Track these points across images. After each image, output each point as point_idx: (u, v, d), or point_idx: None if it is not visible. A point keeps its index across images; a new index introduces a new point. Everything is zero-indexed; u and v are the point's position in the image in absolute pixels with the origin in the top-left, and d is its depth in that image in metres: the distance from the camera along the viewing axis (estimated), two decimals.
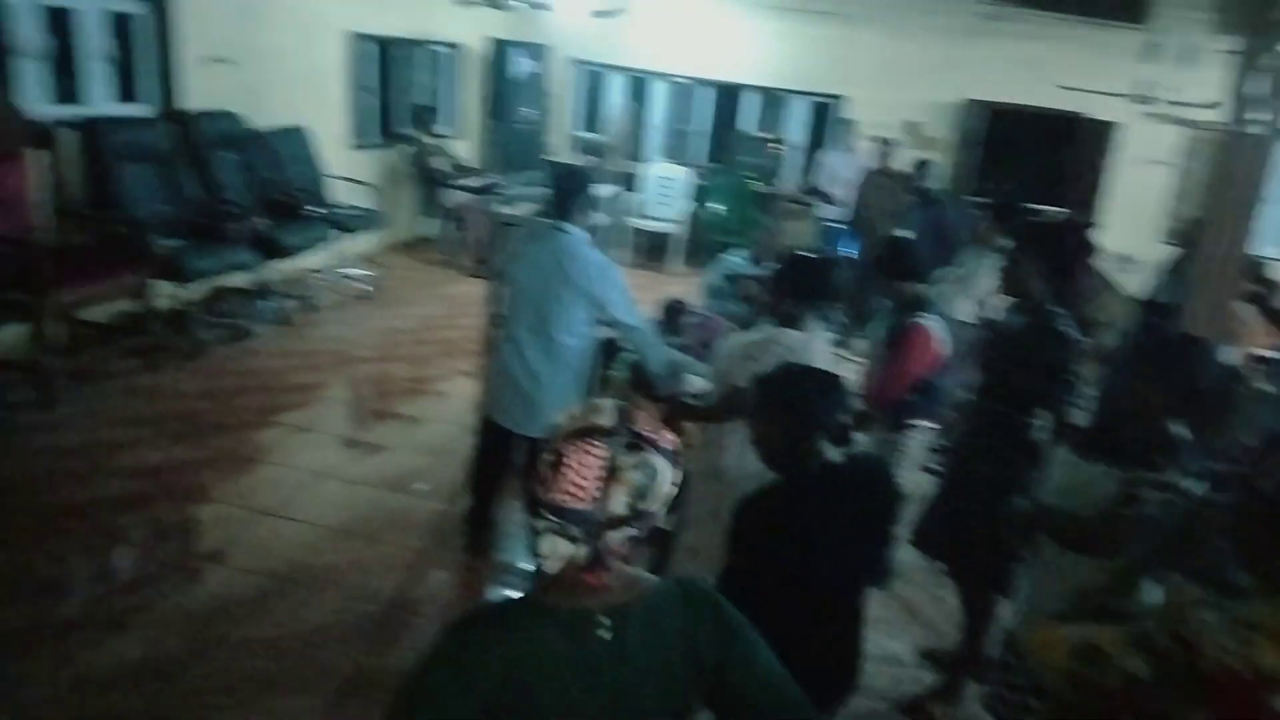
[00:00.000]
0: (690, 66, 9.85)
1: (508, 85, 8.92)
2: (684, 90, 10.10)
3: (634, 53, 9.84)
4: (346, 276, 6.98)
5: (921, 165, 6.29)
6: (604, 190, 4.99)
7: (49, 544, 3.38)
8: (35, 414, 4.28)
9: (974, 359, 3.24)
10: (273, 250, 5.80)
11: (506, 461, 3.47)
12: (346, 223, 6.73)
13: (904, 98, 9.19)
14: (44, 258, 4.14)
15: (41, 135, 4.67)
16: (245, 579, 3.33)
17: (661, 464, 1.37)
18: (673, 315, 6.00)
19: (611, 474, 1.33)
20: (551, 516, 1.33)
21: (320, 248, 6.53)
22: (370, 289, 6.99)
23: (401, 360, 5.77)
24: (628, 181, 9.33)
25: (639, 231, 9.42)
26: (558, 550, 1.34)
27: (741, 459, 2.98)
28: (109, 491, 3.76)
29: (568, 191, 3.21)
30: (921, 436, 3.98)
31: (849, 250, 7.49)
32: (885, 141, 7.54)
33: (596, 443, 1.34)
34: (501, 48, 8.92)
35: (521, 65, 8.96)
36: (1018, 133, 9.17)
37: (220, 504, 3.84)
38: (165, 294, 5.36)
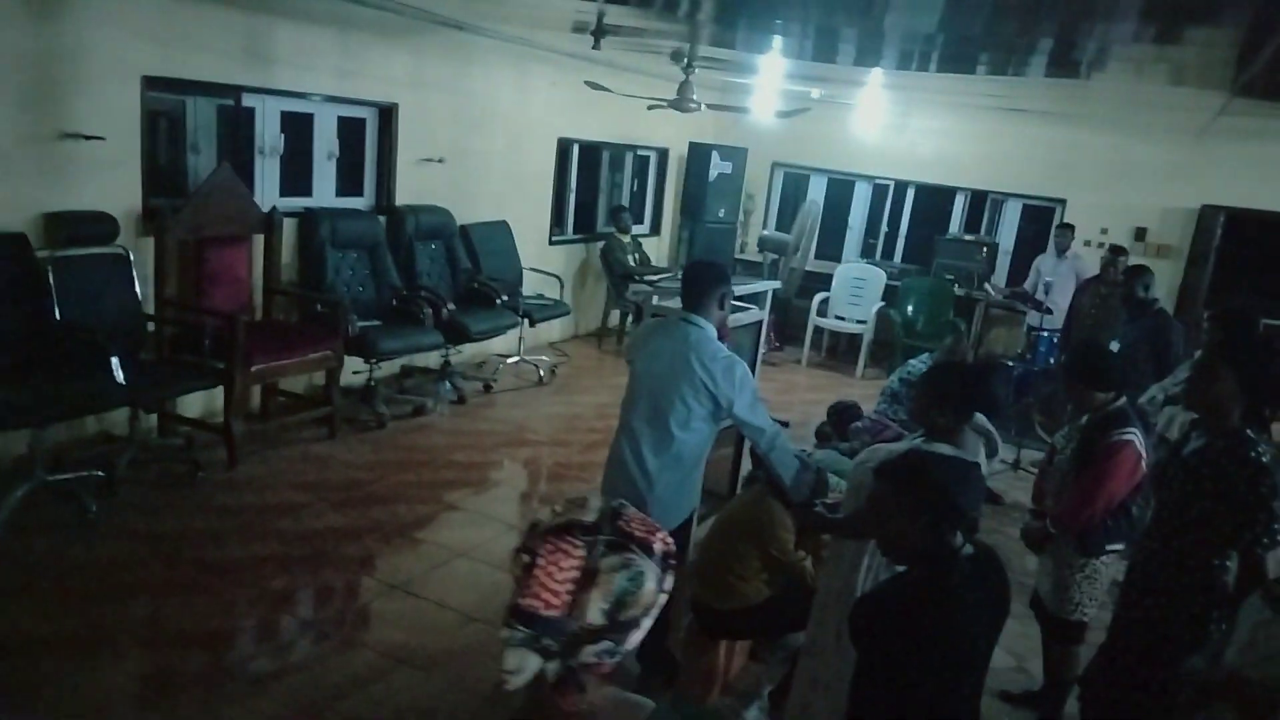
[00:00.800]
0: (894, 168, 9.64)
1: (703, 186, 9.10)
2: (884, 191, 9.88)
3: (838, 155, 9.79)
4: (529, 362, 7.24)
5: (1137, 271, 5.68)
6: (760, 286, 4.83)
7: (198, 598, 3.61)
8: (220, 472, 4.67)
9: (1153, 483, 2.77)
10: (460, 335, 6.12)
11: None
12: (535, 312, 7.02)
13: (1131, 201, 8.46)
14: (243, 332, 4.56)
15: (268, 223, 5.23)
16: (362, 654, 3.38)
17: (649, 568, 1.20)
18: (841, 418, 5.68)
19: (589, 577, 1.18)
20: (519, 625, 1.19)
21: (508, 334, 6.84)
22: (547, 375, 7.20)
23: (569, 445, 5.85)
24: (818, 281, 9.18)
25: (825, 331, 9.18)
26: (525, 665, 1.19)
27: (877, 577, 2.70)
28: (264, 551, 3.99)
29: (699, 283, 3.12)
30: (1115, 564, 3.46)
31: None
32: (1113, 249, 6.91)
33: (575, 540, 1.19)
34: (700, 150, 9.15)
35: (718, 168, 9.13)
36: (1258, 240, 8.15)
37: (363, 574, 3.97)
38: (355, 370, 5.79)
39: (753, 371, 6.61)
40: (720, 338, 3.14)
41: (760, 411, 3.06)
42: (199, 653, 3.28)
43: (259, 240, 5.27)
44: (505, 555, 4.21)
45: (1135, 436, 3.22)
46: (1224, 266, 8.30)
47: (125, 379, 4.10)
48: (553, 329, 8.12)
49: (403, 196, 6.40)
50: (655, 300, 4.34)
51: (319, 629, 3.57)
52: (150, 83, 4.72)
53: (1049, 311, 7.54)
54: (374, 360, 5.61)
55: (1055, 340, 7.41)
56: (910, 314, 8.83)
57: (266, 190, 5.62)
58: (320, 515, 4.41)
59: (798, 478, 3.08)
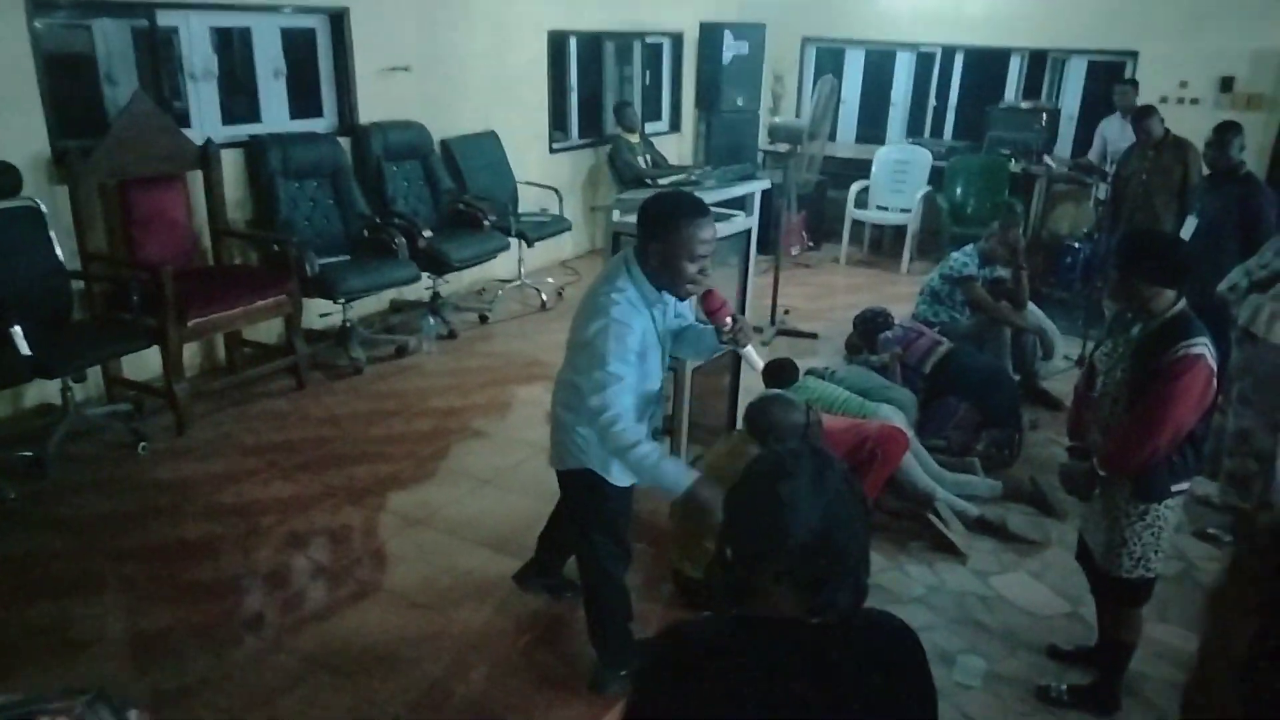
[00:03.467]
0: (940, 32, 8.52)
1: (717, 71, 8.18)
2: (930, 60, 8.78)
3: (874, 22, 8.71)
4: (531, 286, 6.64)
5: (1225, 130, 4.69)
6: (746, 188, 4.08)
7: (108, 596, 3.20)
8: (167, 440, 4.25)
9: None
10: (439, 264, 5.54)
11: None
12: (531, 231, 6.38)
13: (1215, 46, 7.26)
14: (171, 283, 4.06)
15: (203, 157, 4.68)
16: (284, 661, 2.93)
17: None
18: (868, 328, 4.97)
19: None
20: None
21: (506, 257, 6.24)
22: (552, 298, 6.60)
23: None
24: (857, 168, 8.27)
25: (866, 225, 8.31)
26: None
27: None
28: (193, 534, 3.56)
29: (638, 221, 2.42)
30: (1181, 508, 2.78)
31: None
32: (1142, 111, 5.73)
33: None
34: (710, 31, 8.19)
35: (732, 49, 8.18)
36: None
37: (299, 556, 3.51)
38: (322, 313, 5.28)
39: (775, 283, 5.99)
40: (710, 313, 2.44)
41: (600, 384, 2.29)
42: (104, 663, 2.88)
43: (198, 178, 4.73)
44: (476, 522, 3.71)
45: (1206, 348, 2.49)
46: None
47: (33, 349, 3.66)
48: (563, 246, 7.47)
49: (368, 113, 5.76)
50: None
51: (240, 627, 3.13)
52: (37, 6, 4.13)
53: None
54: (342, 301, 5.08)
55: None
56: (960, 197, 7.90)
57: (205, 119, 5.04)
58: (268, 484, 3.96)
59: (652, 475, 2.32)
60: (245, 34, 5.26)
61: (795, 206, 7.64)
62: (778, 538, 1.20)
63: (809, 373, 4.52)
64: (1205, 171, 4.94)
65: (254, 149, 5.08)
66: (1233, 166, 4.67)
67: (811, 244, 8.38)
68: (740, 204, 3.94)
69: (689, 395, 3.40)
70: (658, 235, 2.31)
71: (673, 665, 1.26)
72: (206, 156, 4.69)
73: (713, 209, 2.49)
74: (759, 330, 5.55)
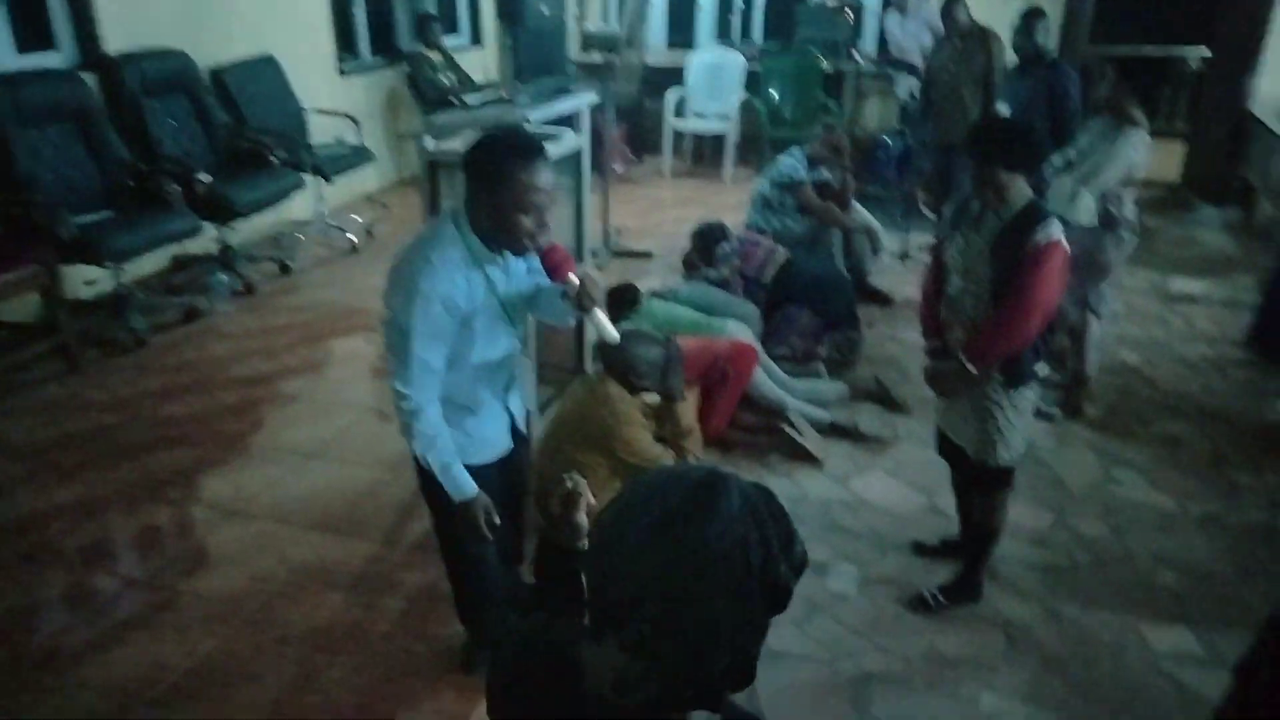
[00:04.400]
0: None
1: None
2: None
3: None
4: (336, 227, 6.04)
5: (1034, 15, 4.75)
6: (570, 104, 3.74)
7: None
8: None
9: None
10: (223, 211, 4.88)
11: None
12: (328, 165, 5.76)
13: None
14: None
15: None
16: (82, 697, 2.48)
17: None
18: (704, 243, 4.79)
19: None
20: None
21: (299, 197, 5.60)
22: (362, 238, 6.03)
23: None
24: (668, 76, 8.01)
25: (684, 135, 8.13)
26: None
27: None
28: None
29: (466, 171, 2.05)
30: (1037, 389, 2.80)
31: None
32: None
33: None
34: None
35: None
36: None
37: (89, 575, 3.00)
38: (87, 280, 4.56)
39: (605, 204, 5.68)
40: (550, 270, 2.08)
41: (402, 367, 2.00)
42: None
43: None
44: (305, 505, 3.28)
45: (1060, 231, 2.49)
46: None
47: None
48: (367, 179, 6.84)
49: (115, 42, 4.91)
50: (465, 134, 3.18)
51: (29, 669, 2.63)
52: None
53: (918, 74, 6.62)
54: (110, 264, 4.38)
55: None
56: (776, 101, 7.82)
57: None
58: (45, 490, 3.36)
59: (441, 477, 2.09)
60: None
61: (615, 120, 7.32)
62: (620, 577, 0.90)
63: (651, 295, 4.31)
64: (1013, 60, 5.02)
65: None
66: (1039, 53, 4.75)
67: (635, 157, 8.12)
68: (568, 122, 3.59)
69: (533, 335, 3.10)
70: (485, 186, 1.95)
71: (510, 675, 1.10)
72: None
73: (540, 129, 2.15)
74: (594, 255, 5.28)
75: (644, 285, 4.40)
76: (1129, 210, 3.83)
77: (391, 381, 2.01)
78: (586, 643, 0.97)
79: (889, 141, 7.19)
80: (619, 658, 0.91)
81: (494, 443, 2.26)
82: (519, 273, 2.14)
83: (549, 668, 1.03)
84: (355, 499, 3.26)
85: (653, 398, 2.93)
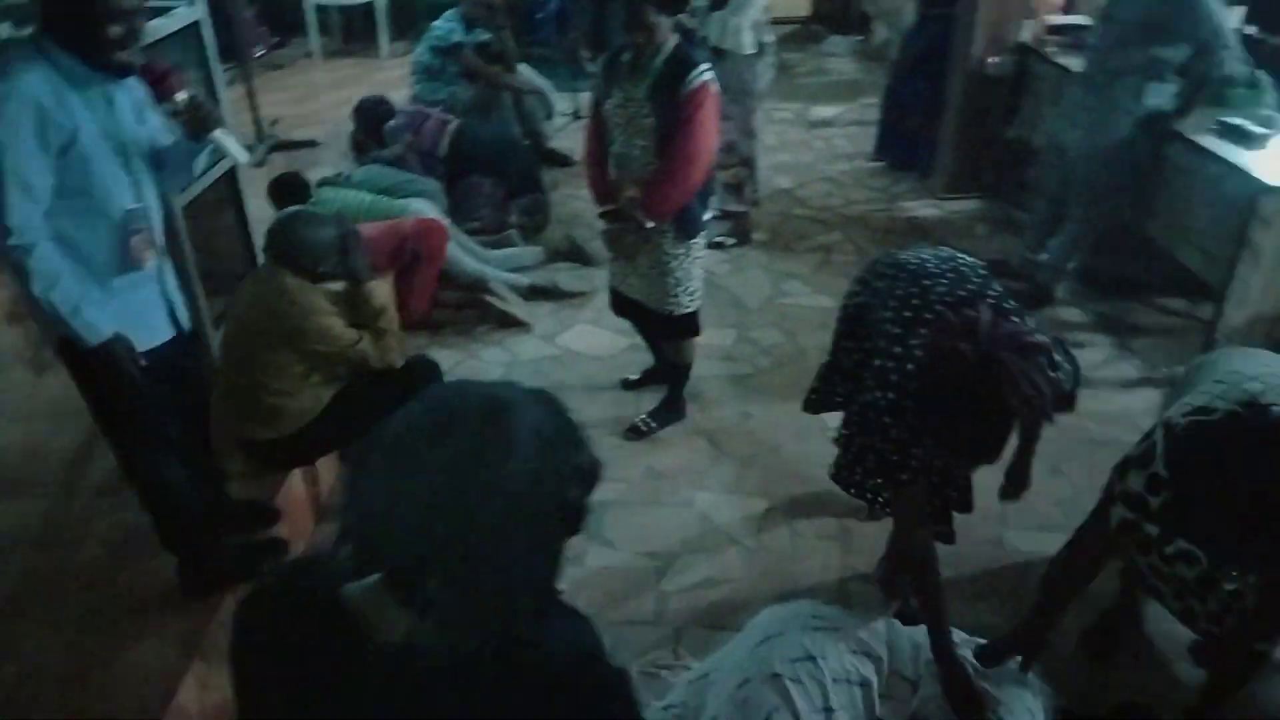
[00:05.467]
0: None
1: None
2: None
3: None
4: None
5: None
6: None
7: None
8: None
9: None
10: None
11: None
12: None
13: None
14: None
15: None
16: None
17: None
18: (371, 121, 4.56)
19: None
20: None
21: None
22: None
23: None
24: None
25: (329, 9, 7.52)
26: None
27: None
28: None
29: None
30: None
31: None
32: None
33: None
34: None
35: None
36: None
37: None
38: None
39: (251, 93, 5.09)
40: (153, 85, 1.85)
41: None
42: None
43: None
44: None
45: (710, 72, 2.63)
46: None
47: None
48: None
49: None
50: None
51: None
52: None
53: None
54: None
55: None
56: None
57: None
58: None
59: (68, 324, 1.84)
60: None
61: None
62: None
63: (321, 184, 4.07)
64: None
65: None
66: None
67: (277, 39, 7.40)
68: None
69: (188, 242, 2.81)
70: None
71: (266, 632, 0.94)
72: None
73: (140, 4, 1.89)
74: (249, 150, 4.83)
75: (314, 176, 4.15)
76: (769, 36, 4.13)
77: None
78: (357, 588, 0.84)
79: None
80: (404, 617, 0.81)
81: (150, 321, 2.06)
82: (125, 108, 1.90)
83: (318, 621, 0.87)
84: (18, 459, 2.88)
85: (338, 285, 2.81)
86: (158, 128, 2.02)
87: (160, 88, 1.85)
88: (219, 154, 2.16)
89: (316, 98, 6.47)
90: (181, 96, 1.86)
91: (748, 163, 4.35)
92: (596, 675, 0.92)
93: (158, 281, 2.07)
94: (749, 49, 4.01)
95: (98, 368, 1.91)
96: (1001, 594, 2.50)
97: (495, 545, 0.79)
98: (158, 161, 2.02)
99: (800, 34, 7.80)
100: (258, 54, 6.94)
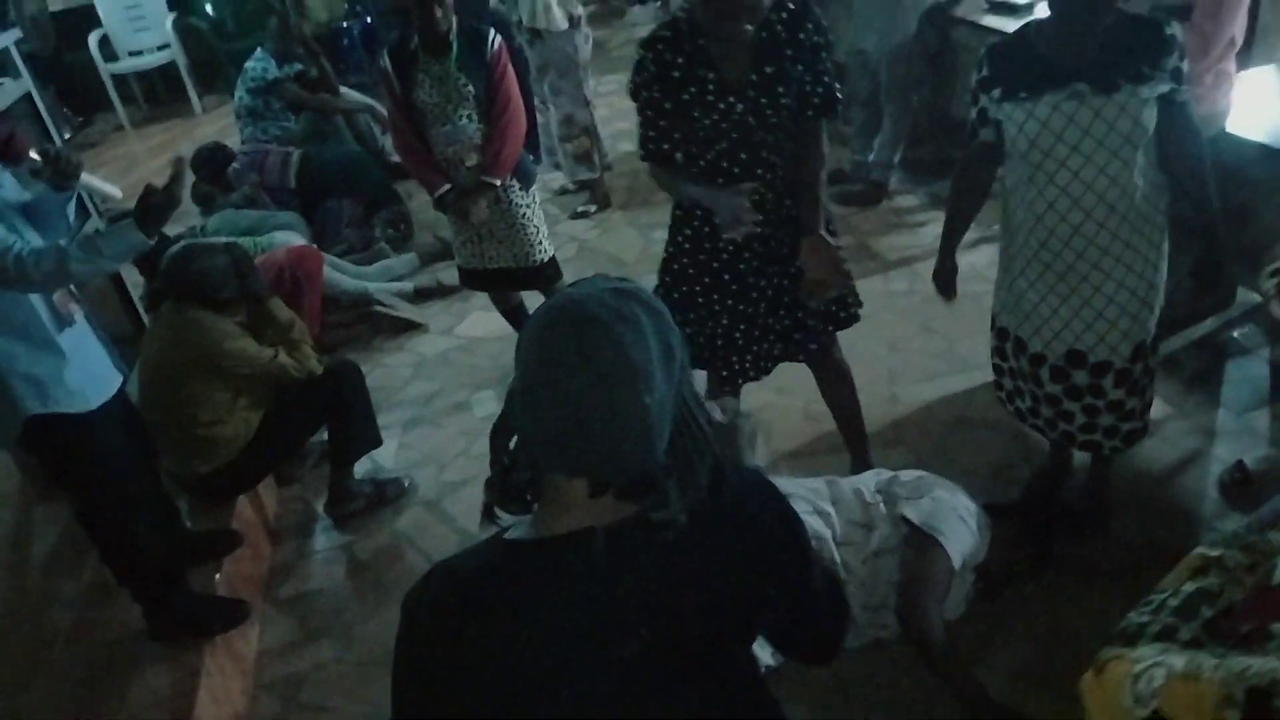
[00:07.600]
0: None
1: None
2: None
3: None
4: None
5: None
6: None
7: None
8: None
9: None
10: None
11: None
12: None
13: None
14: None
15: None
16: None
17: None
18: (211, 169, 4.53)
19: None
20: None
21: None
22: None
23: None
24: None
25: (126, 78, 7.28)
26: None
27: None
28: None
29: None
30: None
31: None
32: None
33: None
34: None
35: None
36: None
37: None
38: None
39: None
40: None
41: None
42: None
43: None
44: None
45: (498, 35, 2.89)
46: None
47: None
48: None
49: None
50: None
51: None
52: None
53: None
54: None
55: None
56: (214, 13, 7.26)
57: None
58: None
59: (109, 261, 1.97)
60: None
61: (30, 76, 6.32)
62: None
63: (177, 240, 4.03)
64: None
65: None
66: None
67: (81, 118, 7.11)
68: None
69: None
70: None
71: (441, 610, 0.92)
72: None
73: None
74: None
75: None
76: (579, 9, 4.34)
77: None
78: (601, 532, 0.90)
79: (346, 25, 7.11)
80: (610, 510, 0.89)
81: (103, 370, 2.12)
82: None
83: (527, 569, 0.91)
84: None
85: (239, 317, 2.84)
86: (12, 186, 2.03)
87: (6, 150, 1.86)
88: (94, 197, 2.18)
89: (138, 168, 6.28)
90: (34, 154, 1.88)
91: (589, 131, 4.55)
92: (781, 503, 1.03)
93: (93, 330, 2.12)
94: (561, 24, 4.19)
95: (83, 435, 1.96)
96: (907, 441, 2.82)
97: (671, 429, 0.89)
98: (33, 218, 2.05)
99: (603, 12, 8.07)
100: (66, 136, 6.66)
